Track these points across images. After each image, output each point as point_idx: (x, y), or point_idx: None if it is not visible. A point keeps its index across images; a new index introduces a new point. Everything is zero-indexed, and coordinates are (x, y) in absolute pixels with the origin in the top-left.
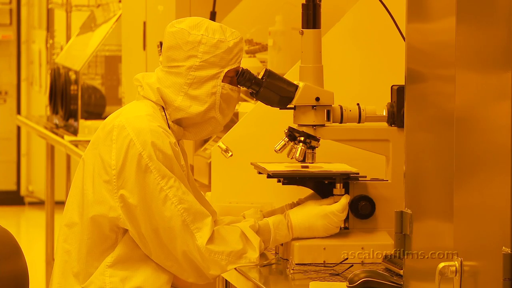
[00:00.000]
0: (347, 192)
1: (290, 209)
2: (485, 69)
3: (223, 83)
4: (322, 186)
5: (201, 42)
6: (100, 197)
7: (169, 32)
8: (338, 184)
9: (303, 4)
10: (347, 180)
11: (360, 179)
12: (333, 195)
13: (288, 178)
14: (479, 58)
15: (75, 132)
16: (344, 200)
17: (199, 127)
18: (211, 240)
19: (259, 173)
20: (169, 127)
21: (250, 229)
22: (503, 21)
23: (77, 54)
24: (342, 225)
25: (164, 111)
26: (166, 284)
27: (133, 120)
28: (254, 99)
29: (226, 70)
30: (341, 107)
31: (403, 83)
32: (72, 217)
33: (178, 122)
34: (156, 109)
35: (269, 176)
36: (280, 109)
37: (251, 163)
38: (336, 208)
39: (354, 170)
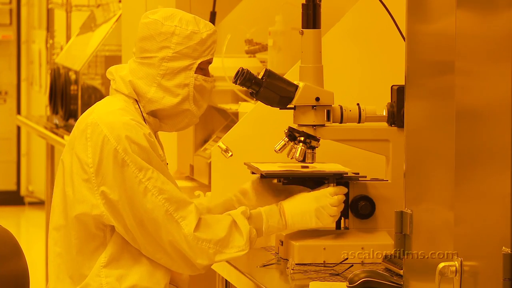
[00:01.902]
0: (347, 192)
1: (241, 195)
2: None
3: (196, 74)
4: (322, 186)
5: (174, 33)
6: (81, 196)
7: (143, 23)
8: (331, 184)
9: (303, 4)
10: (340, 180)
11: (360, 179)
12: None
13: (287, 178)
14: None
15: None
16: (338, 188)
17: (174, 119)
18: (197, 227)
19: (252, 173)
20: (144, 120)
21: (241, 215)
22: (506, 11)
23: (77, 54)
24: (336, 215)
25: (138, 104)
26: (162, 279)
27: (106, 116)
28: (254, 99)
29: (199, 61)
30: (341, 107)
31: (403, 83)
32: (58, 220)
33: (153, 114)
34: (129, 103)
35: (262, 176)
36: (280, 109)
37: (245, 163)
38: (328, 190)
39: (347, 170)
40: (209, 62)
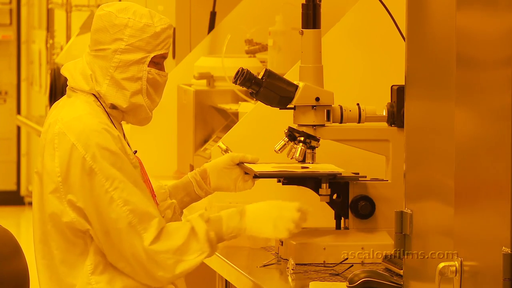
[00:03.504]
0: (347, 192)
1: (200, 178)
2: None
3: (149, 68)
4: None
5: (128, 25)
6: (52, 207)
7: (97, 15)
8: (324, 184)
9: (303, 4)
10: (333, 180)
11: (360, 179)
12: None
13: (286, 179)
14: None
15: None
16: (303, 205)
17: (132, 112)
18: (157, 239)
19: (245, 173)
20: (108, 115)
21: (198, 219)
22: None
23: (77, 54)
24: (292, 230)
25: (99, 100)
26: None
27: (72, 124)
28: (254, 99)
29: (152, 55)
30: (341, 107)
31: (403, 83)
32: (38, 233)
33: (114, 106)
34: (91, 102)
35: (255, 177)
36: (280, 109)
37: (238, 164)
38: (295, 205)
39: (340, 170)
40: (164, 56)
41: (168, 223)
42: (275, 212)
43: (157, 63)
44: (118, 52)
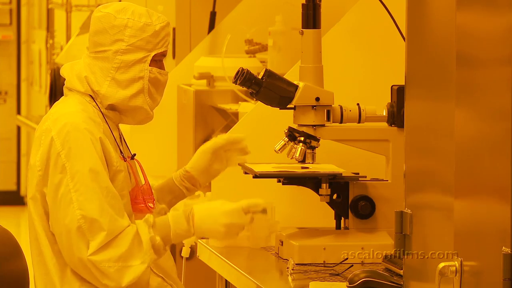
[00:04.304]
0: (347, 192)
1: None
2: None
3: (150, 67)
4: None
5: (127, 26)
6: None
7: (95, 17)
8: (324, 184)
9: (303, 4)
10: (333, 180)
11: (360, 179)
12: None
13: (286, 179)
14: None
15: None
16: (252, 202)
17: (131, 113)
18: (101, 249)
19: (245, 173)
20: (103, 115)
21: (143, 224)
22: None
23: (77, 54)
24: (241, 231)
25: (95, 100)
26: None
27: (58, 120)
28: (254, 99)
29: (153, 54)
30: (341, 107)
31: (403, 83)
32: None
33: (111, 107)
34: (84, 102)
35: (255, 177)
36: (280, 109)
37: (239, 164)
38: (241, 205)
39: (341, 170)
40: (164, 54)
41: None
42: (223, 219)
43: (157, 61)
44: (119, 53)
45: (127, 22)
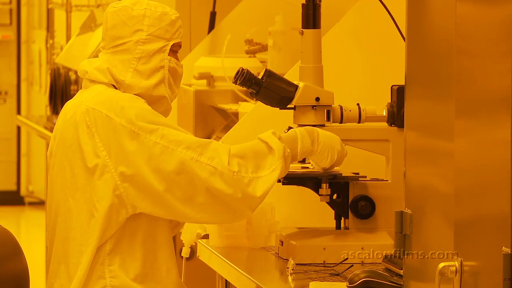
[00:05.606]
0: (347, 192)
1: None
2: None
3: (169, 57)
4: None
5: (146, 16)
6: (90, 188)
7: (111, 12)
8: (324, 184)
9: (303, 4)
10: (333, 180)
11: (360, 179)
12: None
13: (286, 178)
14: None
15: None
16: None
17: (154, 104)
18: (230, 159)
19: None
20: None
21: (271, 136)
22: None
23: (77, 54)
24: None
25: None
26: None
27: (97, 98)
28: (254, 99)
29: (171, 43)
30: (341, 107)
31: (403, 83)
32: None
33: None
34: (111, 88)
35: None
36: (280, 109)
37: None
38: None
39: (340, 170)
40: (179, 45)
41: (234, 146)
42: (338, 145)
43: (174, 51)
44: (140, 43)
45: (145, 12)
